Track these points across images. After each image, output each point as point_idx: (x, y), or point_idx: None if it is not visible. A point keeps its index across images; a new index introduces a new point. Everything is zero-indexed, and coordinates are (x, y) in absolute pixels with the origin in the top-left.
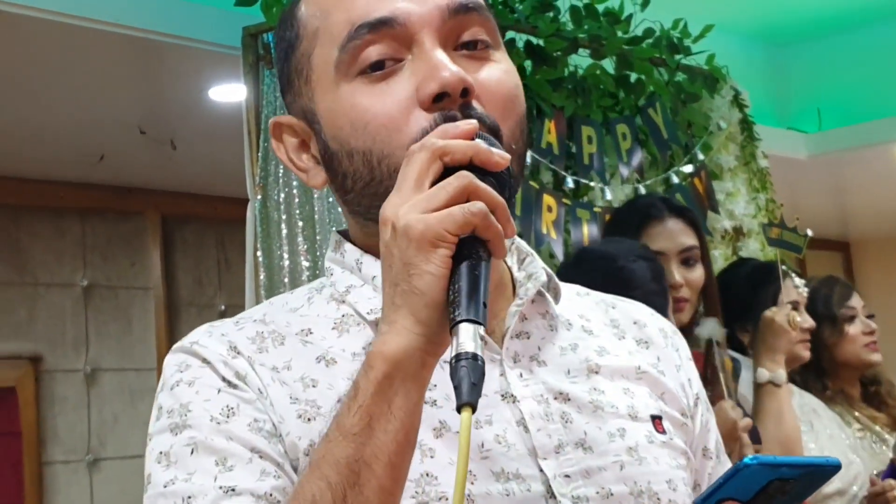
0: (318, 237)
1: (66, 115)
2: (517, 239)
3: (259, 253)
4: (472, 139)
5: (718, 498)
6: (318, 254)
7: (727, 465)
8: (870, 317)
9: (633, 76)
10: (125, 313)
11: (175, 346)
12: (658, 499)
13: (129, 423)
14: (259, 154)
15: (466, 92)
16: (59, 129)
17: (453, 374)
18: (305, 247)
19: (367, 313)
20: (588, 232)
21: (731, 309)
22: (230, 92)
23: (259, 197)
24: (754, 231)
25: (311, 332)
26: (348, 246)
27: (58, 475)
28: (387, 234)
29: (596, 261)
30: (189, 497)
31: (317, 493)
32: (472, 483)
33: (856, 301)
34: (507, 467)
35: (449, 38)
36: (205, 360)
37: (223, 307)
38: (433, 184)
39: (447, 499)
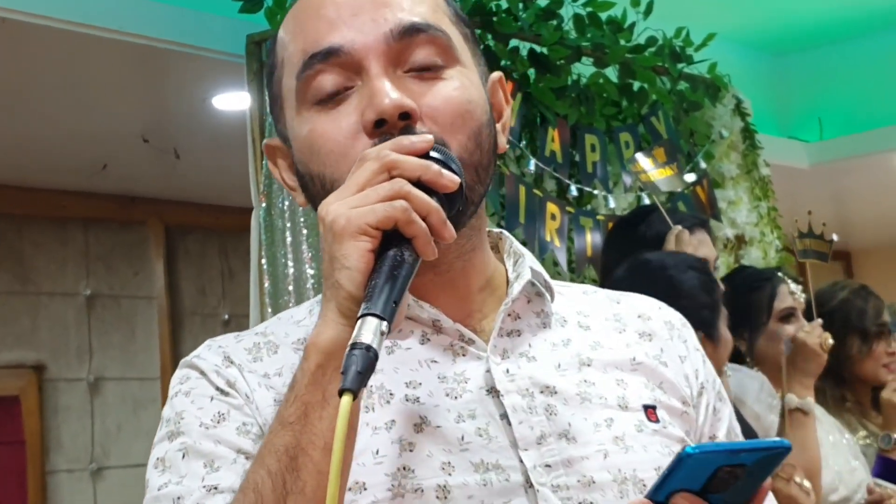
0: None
1: (69, 124)
2: (513, 241)
3: (263, 261)
4: (427, 154)
5: (669, 490)
6: (321, 263)
7: None
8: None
9: (636, 85)
10: (128, 323)
11: (182, 361)
12: (644, 485)
13: (132, 432)
14: (263, 162)
15: (407, 115)
16: (61, 137)
17: (344, 361)
18: (310, 254)
19: None
20: (591, 240)
21: (733, 315)
22: (234, 100)
23: (263, 205)
24: (756, 239)
25: (306, 341)
26: None
27: (61, 484)
28: (321, 229)
29: (648, 269)
30: (178, 498)
31: (259, 481)
32: (450, 475)
33: (887, 317)
34: (486, 458)
35: (398, 61)
36: (201, 372)
37: (226, 316)
38: None
39: (423, 490)
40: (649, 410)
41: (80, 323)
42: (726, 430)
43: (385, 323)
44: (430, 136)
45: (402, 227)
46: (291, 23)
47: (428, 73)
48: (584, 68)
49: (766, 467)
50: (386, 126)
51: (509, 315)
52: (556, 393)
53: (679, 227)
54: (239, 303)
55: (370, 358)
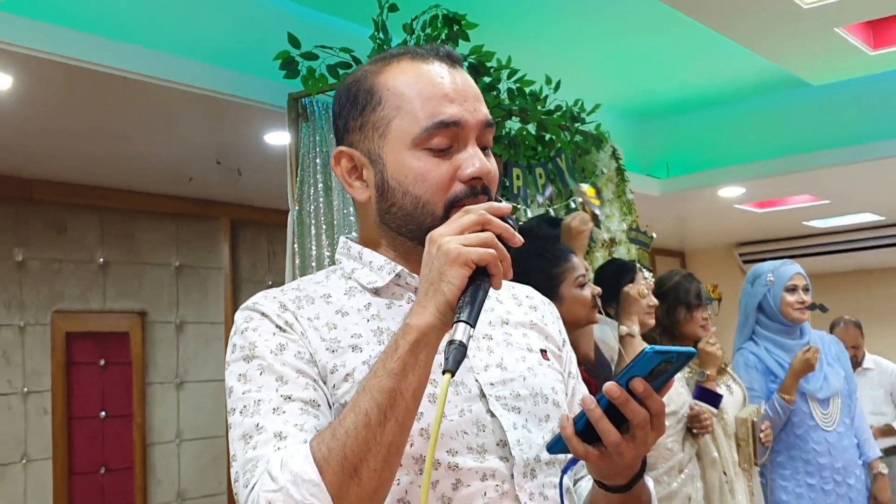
0: (336, 236)
1: (167, 149)
2: None
3: (295, 246)
4: (504, 217)
5: (629, 376)
6: (335, 248)
7: (583, 384)
8: (709, 301)
9: (548, 136)
10: (203, 285)
11: (242, 306)
12: (546, 398)
13: (204, 358)
14: (297, 179)
15: (487, 178)
16: (162, 158)
17: (446, 351)
18: (327, 242)
19: (367, 284)
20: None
21: (603, 292)
22: (278, 137)
23: (296, 208)
24: (623, 241)
25: (330, 296)
26: (352, 244)
27: (155, 392)
28: (433, 249)
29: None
30: (259, 401)
31: (369, 409)
32: (435, 387)
33: (703, 293)
34: (455, 377)
35: (477, 140)
36: (263, 314)
37: (270, 283)
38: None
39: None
40: (543, 353)
41: (171, 284)
42: (575, 368)
43: (472, 329)
44: (510, 206)
45: (489, 267)
46: (413, 86)
47: (484, 151)
48: (513, 124)
49: (680, 365)
50: (475, 181)
51: None
52: (491, 339)
53: (570, 218)
54: (279, 273)
55: (463, 351)
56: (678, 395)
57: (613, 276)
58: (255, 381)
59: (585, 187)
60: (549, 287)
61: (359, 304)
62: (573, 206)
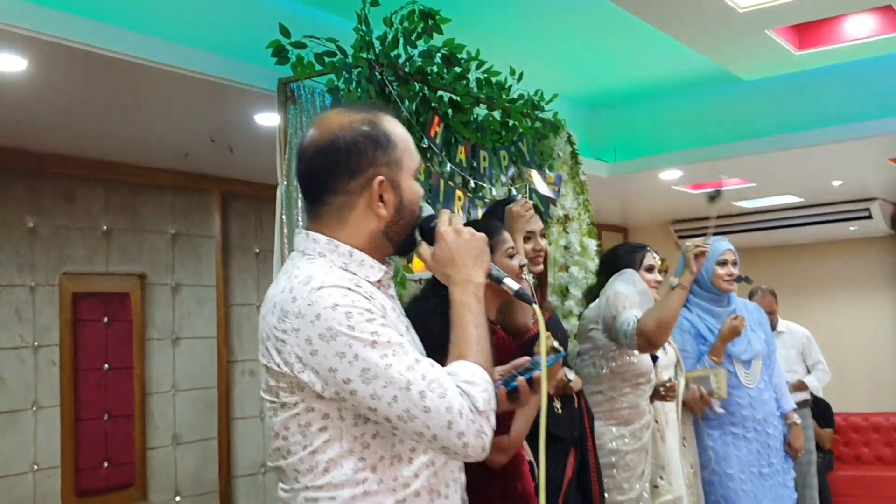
0: None
1: (166, 128)
2: None
3: (283, 217)
4: None
5: (538, 370)
6: None
7: None
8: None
9: (511, 122)
10: (197, 252)
11: (325, 285)
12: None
13: (197, 316)
14: (285, 156)
15: None
16: (161, 135)
17: (519, 294)
18: None
19: (364, 277)
20: (480, 213)
21: (620, 265)
22: (268, 118)
23: (284, 183)
24: (576, 217)
25: (354, 282)
26: (340, 244)
27: (153, 347)
28: (465, 235)
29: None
30: (401, 343)
31: (481, 336)
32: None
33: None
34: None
35: None
36: (348, 289)
37: (257, 250)
38: None
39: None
40: None
41: (168, 250)
42: None
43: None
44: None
45: None
46: (404, 135)
47: None
48: (480, 111)
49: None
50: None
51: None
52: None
53: (513, 204)
54: (265, 242)
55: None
56: (643, 362)
57: (625, 255)
58: (385, 335)
59: (535, 174)
60: None
61: (372, 290)
62: (514, 192)
